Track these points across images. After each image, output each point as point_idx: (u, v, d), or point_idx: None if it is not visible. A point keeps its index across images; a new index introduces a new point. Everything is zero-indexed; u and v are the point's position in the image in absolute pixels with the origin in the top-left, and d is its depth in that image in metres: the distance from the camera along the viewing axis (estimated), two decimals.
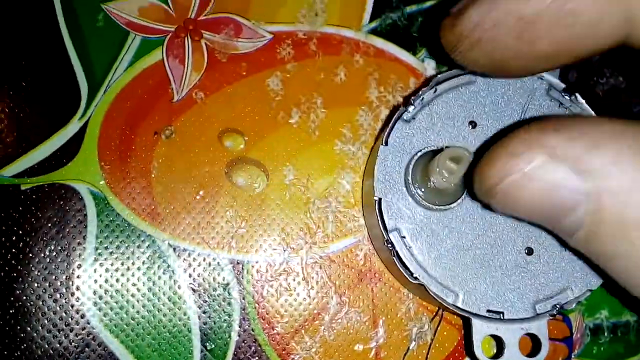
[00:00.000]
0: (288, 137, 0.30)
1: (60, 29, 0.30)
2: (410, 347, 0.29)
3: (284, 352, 0.28)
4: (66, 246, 0.27)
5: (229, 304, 0.28)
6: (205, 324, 0.28)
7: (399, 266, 0.25)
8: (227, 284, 0.28)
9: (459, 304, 0.24)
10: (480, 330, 0.24)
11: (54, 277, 0.27)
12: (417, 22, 0.32)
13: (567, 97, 0.26)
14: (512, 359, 0.24)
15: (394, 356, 0.29)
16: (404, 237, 0.25)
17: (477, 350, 0.24)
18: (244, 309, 0.28)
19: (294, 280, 0.29)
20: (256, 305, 0.28)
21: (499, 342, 0.25)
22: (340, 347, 0.28)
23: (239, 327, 0.28)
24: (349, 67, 0.31)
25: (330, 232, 0.29)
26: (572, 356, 0.29)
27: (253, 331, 0.28)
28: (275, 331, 0.28)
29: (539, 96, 0.26)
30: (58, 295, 0.27)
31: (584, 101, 0.26)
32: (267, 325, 0.28)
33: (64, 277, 0.27)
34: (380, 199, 0.25)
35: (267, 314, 0.28)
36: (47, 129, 0.28)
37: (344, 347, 0.28)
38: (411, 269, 0.24)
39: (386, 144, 0.25)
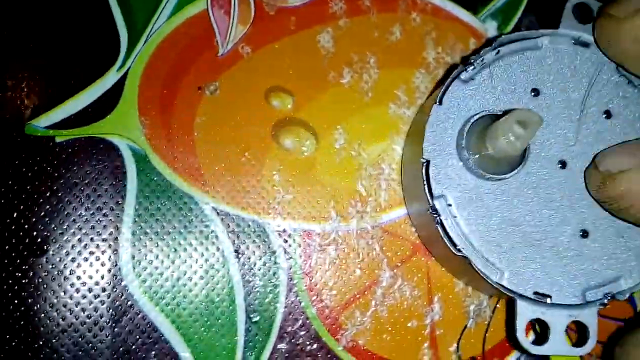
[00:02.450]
0: (339, 98, 0.28)
1: None
2: (468, 325, 0.27)
3: (333, 327, 0.26)
4: (104, 205, 0.25)
5: (275, 274, 0.26)
6: (250, 294, 0.26)
7: (442, 236, 0.23)
8: (274, 253, 0.26)
9: (504, 283, 0.23)
10: (525, 313, 0.23)
11: (90, 237, 0.25)
12: None
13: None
14: (556, 346, 0.23)
15: (450, 334, 0.27)
16: (450, 205, 0.23)
17: (520, 334, 0.23)
18: (290, 280, 0.26)
19: (344, 251, 0.27)
20: (304, 276, 0.26)
21: (543, 327, 0.23)
22: (393, 323, 0.26)
23: (286, 298, 0.26)
24: (405, 25, 0.29)
25: (382, 201, 0.27)
26: None
27: (301, 303, 0.26)
28: (323, 304, 0.26)
29: (607, 70, 0.25)
30: (94, 259, 0.25)
31: None
32: (315, 297, 0.26)
33: (101, 238, 0.25)
34: (428, 162, 0.23)
35: (315, 285, 0.26)
36: (84, 78, 0.26)
37: (397, 323, 0.26)
38: (455, 240, 0.23)
39: (440, 103, 0.24)
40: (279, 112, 0.28)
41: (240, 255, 0.26)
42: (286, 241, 0.26)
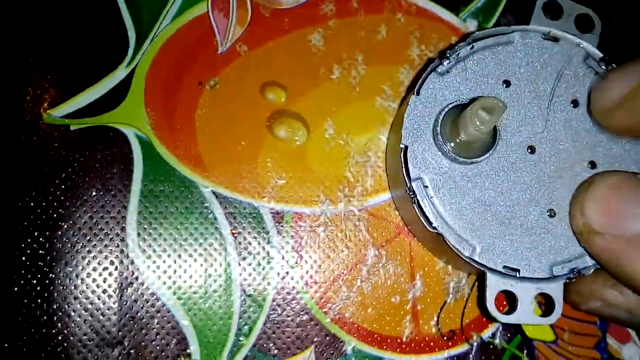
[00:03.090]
0: (329, 92, 0.30)
1: None
2: (447, 301, 0.29)
3: (321, 301, 0.28)
4: (112, 187, 0.28)
5: (269, 252, 0.28)
6: (245, 269, 0.28)
7: (419, 215, 0.25)
8: (267, 233, 0.28)
9: (476, 257, 0.24)
10: (495, 285, 0.25)
11: (100, 215, 0.27)
12: None
13: (604, 66, 0.26)
14: (524, 316, 0.25)
15: (430, 309, 0.29)
16: (427, 187, 0.25)
17: (490, 305, 0.25)
18: (283, 258, 0.28)
19: (333, 232, 0.29)
20: (295, 254, 0.28)
21: (512, 299, 0.25)
22: (377, 298, 0.29)
23: (278, 274, 0.28)
24: (390, 25, 0.31)
25: (368, 186, 0.30)
26: None
27: (292, 279, 0.28)
28: (313, 280, 0.28)
29: (575, 63, 0.26)
30: (103, 235, 0.27)
31: None
32: (305, 274, 0.28)
33: (110, 216, 0.27)
34: (406, 147, 0.25)
35: (305, 263, 0.28)
36: (96, 74, 0.29)
37: (380, 298, 0.29)
38: (431, 218, 0.25)
39: (418, 94, 0.26)
40: (274, 105, 0.30)
41: (236, 235, 0.28)
42: (279, 222, 0.29)
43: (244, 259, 0.28)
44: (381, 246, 0.29)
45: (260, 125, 0.30)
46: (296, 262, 0.28)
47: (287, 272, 0.28)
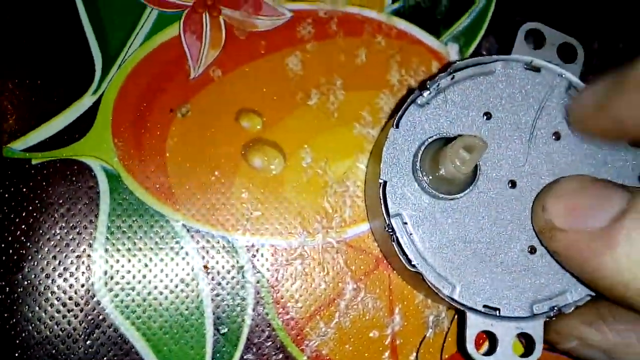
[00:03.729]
0: (306, 119, 0.29)
1: (75, 0, 0.29)
2: (427, 335, 0.28)
3: (298, 338, 0.27)
4: (77, 224, 0.26)
5: (243, 287, 0.27)
6: (218, 307, 0.27)
7: (398, 253, 0.24)
8: (242, 267, 0.27)
9: (455, 297, 0.24)
10: (475, 324, 0.24)
11: (64, 255, 0.26)
12: (441, 4, 0.31)
13: None
14: (504, 357, 0.24)
15: (410, 343, 0.28)
16: (406, 224, 0.24)
17: (469, 345, 0.24)
18: (258, 293, 0.27)
19: (310, 265, 0.28)
20: (271, 289, 0.28)
21: (492, 339, 0.24)
22: (355, 333, 0.28)
23: (253, 311, 0.27)
24: (370, 48, 0.30)
25: (347, 217, 0.29)
26: None
27: (267, 315, 0.27)
28: (289, 316, 0.27)
29: (558, 93, 0.26)
30: (68, 275, 0.26)
31: None
32: (281, 309, 0.27)
33: (75, 255, 0.26)
34: (385, 182, 0.24)
35: (281, 298, 0.28)
36: (60, 103, 0.27)
37: (359, 334, 0.28)
38: (410, 256, 0.24)
39: (397, 126, 0.25)
40: (249, 133, 0.29)
41: (209, 270, 0.27)
42: (254, 256, 0.28)
43: (217, 295, 0.27)
44: (359, 279, 0.28)
45: (234, 154, 0.29)
46: (272, 298, 0.27)
47: (263, 308, 0.27)
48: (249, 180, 0.28)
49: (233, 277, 0.27)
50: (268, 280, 0.28)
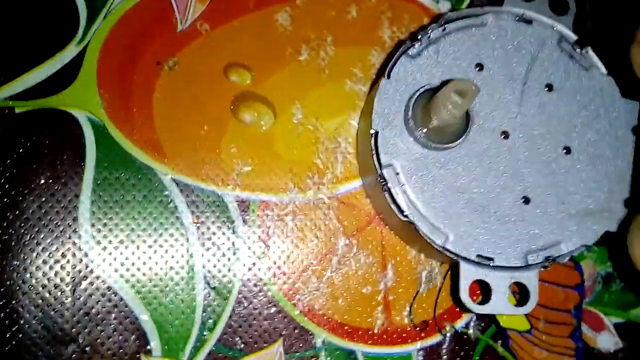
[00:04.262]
0: (297, 75, 0.29)
1: None
2: (420, 291, 0.28)
3: (290, 292, 0.27)
4: (63, 174, 0.26)
5: (234, 242, 0.27)
6: (209, 261, 0.26)
7: (390, 204, 0.24)
8: (232, 222, 0.27)
9: (449, 246, 0.24)
10: (468, 274, 0.24)
11: (49, 204, 0.25)
12: None
13: (578, 49, 0.26)
14: (499, 306, 0.24)
15: (402, 299, 0.28)
16: (398, 174, 0.24)
17: (464, 295, 0.24)
18: (249, 248, 0.27)
19: (301, 220, 0.28)
20: (262, 244, 0.27)
21: (486, 288, 0.24)
22: (348, 288, 0.27)
23: (244, 265, 0.27)
24: (361, 4, 0.30)
25: (339, 173, 0.28)
26: (583, 303, 0.29)
27: (258, 270, 0.27)
28: (281, 271, 0.27)
29: (549, 46, 0.26)
30: (54, 225, 0.25)
31: (595, 56, 0.26)
32: (272, 264, 0.27)
33: (60, 206, 0.26)
34: (377, 133, 0.24)
35: (272, 253, 0.27)
36: (44, 52, 0.27)
37: (351, 289, 0.28)
38: (402, 206, 0.24)
39: (388, 77, 0.25)
40: (238, 87, 0.28)
41: (199, 225, 0.27)
42: (245, 211, 0.27)
43: (208, 249, 0.27)
44: (352, 235, 0.28)
45: (223, 108, 0.28)
46: (263, 253, 0.27)
47: (254, 263, 0.27)
48: (239, 135, 0.28)
49: (223, 232, 0.27)
50: (259, 236, 0.27)
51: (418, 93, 0.24)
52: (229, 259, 0.27)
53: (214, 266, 0.26)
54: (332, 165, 0.28)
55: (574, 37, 0.26)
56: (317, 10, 0.30)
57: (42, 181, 0.25)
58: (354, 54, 0.30)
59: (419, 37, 0.25)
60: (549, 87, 0.25)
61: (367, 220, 0.28)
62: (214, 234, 0.27)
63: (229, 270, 0.27)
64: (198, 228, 0.27)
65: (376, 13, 0.30)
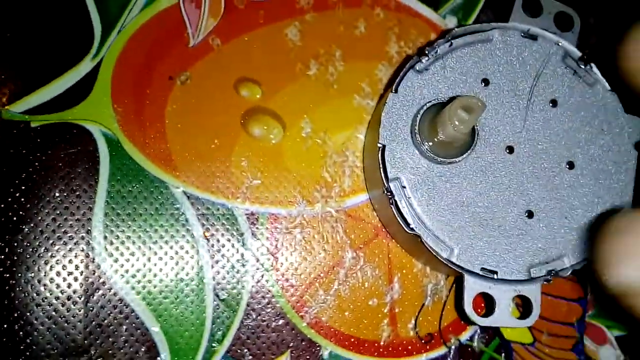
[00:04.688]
0: (306, 89, 0.29)
1: None
2: (425, 304, 0.28)
3: (297, 304, 0.27)
4: (77, 187, 0.26)
5: (243, 255, 0.27)
6: (218, 273, 0.27)
7: (396, 216, 0.24)
8: (242, 235, 0.27)
9: (454, 259, 0.24)
10: (473, 287, 0.25)
11: (64, 217, 0.26)
12: None
13: (582, 65, 0.26)
14: (502, 319, 0.24)
15: (408, 312, 0.28)
16: (405, 187, 0.24)
17: (468, 307, 0.24)
18: (257, 260, 0.27)
19: (309, 233, 0.28)
20: (270, 257, 0.28)
21: (489, 301, 0.25)
22: (354, 301, 0.28)
23: (252, 278, 0.27)
24: (369, 20, 0.31)
25: (346, 187, 0.29)
26: (586, 316, 0.29)
27: (267, 282, 0.27)
28: (289, 283, 0.28)
29: (554, 62, 0.26)
30: (67, 238, 0.26)
31: (598, 72, 0.26)
32: (281, 277, 0.28)
33: (74, 219, 0.26)
34: (384, 146, 0.25)
35: (281, 266, 0.28)
36: (59, 66, 0.27)
37: (358, 301, 0.28)
38: (408, 219, 0.24)
39: (396, 91, 0.25)
40: (248, 102, 0.29)
41: (209, 237, 0.27)
42: (254, 224, 0.28)
43: (217, 262, 0.27)
44: (359, 248, 0.28)
45: (234, 122, 0.29)
46: (272, 265, 0.28)
47: (262, 276, 0.27)
48: (249, 149, 0.28)
49: (233, 245, 0.27)
50: (268, 248, 0.28)
51: (425, 108, 0.25)
52: (237, 271, 0.27)
53: (223, 278, 0.27)
54: (339, 178, 0.29)
55: (578, 52, 0.27)
56: (326, 26, 0.30)
57: (57, 194, 0.26)
58: (362, 68, 0.30)
59: (426, 52, 0.25)
60: (553, 103, 0.26)
61: (374, 233, 0.29)
62: (223, 246, 0.27)
63: (238, 282, 0.27)
64: (208, 241, 0.27)
65: (384, 28, 0.31)
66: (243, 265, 0.27)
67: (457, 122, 0.23)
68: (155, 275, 0.26)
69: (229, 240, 0.27)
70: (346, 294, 0.28)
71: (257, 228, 0.28)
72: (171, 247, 0.27)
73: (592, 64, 0.26)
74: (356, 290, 0.28)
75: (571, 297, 0.29)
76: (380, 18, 0.31)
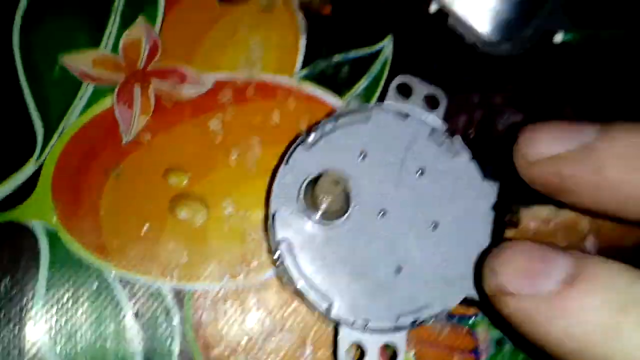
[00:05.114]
0: (228, 174, 0.33)
1: (19, 79, 0.33)
2: None
3: None
4: (19, 279, 0.30)
5: (171, 330, 0.31)
6: (149, 349, 0.30)
7: (286, 275, 0.28)
8: (168, 312, 0.31)
9: (331, 313, 0.27)
10: (347, 337, 0.28)
11: (8, 307, 0.30)
12: (342, 71, 0.35)
13: (446, 139, 0.29)
14: None
15: None
16: (292, 249, 0.28)
17: (341, 358, 0.28)
18: (184, 335, 0.31)
19: (231, 305, 0.32)
20: (196, 329, 0.31)
21: (362, 351, 0.28)
22: None
23: (179, 349, 0.31)
24: (283, 110, 0.34)
25: (264, 260, 0.32)
26: None
27: (192, 353, 0.31)
28: (213, 354, 0.31)
29: (422, 136, 0.30)
30: (11, 326, 0.30)
31: (461, 143, 0.30)
32: (205, 348, 0.31)
33: (17, 308, 0.30)
34: (275, 213, 0.28)
35: (205, 337, 0.31)
36: (4, 171, 0.31)
37: None
38: (294, 276, 0.28)
39: (287, 163, 0.29)
40: (176, 189, 0.33)
41: (140, 316, 0.31)
42: (181, 301, 0.31)
43: (148, 338, 0.30)
44: (274, 316, 0.32)
45: (162, 208, 0.32)
46: (197, 338, 0.31)
47: (189, 348, 0.31)
48: (176, 231, 0.32)
49: (161, 322, 0.31)
50: (193, 322, 0.31)
51: (309, 178, 0.28)
52: (167, 344, 0.31)
53: (154, 351, 0.30)
54: (258, 253, 0.32)
55: (442, 128, 0.30)
56: (245, 117, 0.34)
57: (2, 288, 0.30)
58: (278, 152, 0.34)
59: (313, 130, 0.29)
60: (421, 171, 0.29)
61: (290, 301, 0.32)
62: (152, 323, 0.31)
63: (166, 355, 0.30)
64: (139, 319, 0.31)
65: (296, 115, 0.34)
66: (172, 339, 0.31)
67: (326, 194, 0.27)
68: (92, 357, 0.30)
69: (157, 317, 0.31)
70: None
71: (183, 304, 0.31)
72: (105, 328, 0.30)
73: (456, 136, 0.30)
74: (272, 356, 0.31)
75: (465, 348, 0.32)
76: (293, 107, 0.35)
